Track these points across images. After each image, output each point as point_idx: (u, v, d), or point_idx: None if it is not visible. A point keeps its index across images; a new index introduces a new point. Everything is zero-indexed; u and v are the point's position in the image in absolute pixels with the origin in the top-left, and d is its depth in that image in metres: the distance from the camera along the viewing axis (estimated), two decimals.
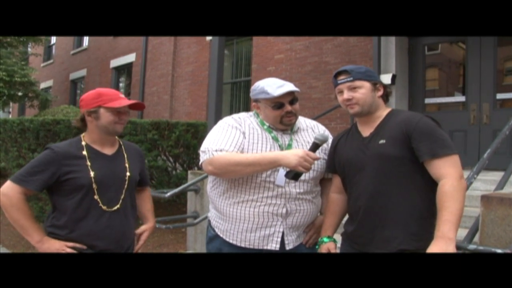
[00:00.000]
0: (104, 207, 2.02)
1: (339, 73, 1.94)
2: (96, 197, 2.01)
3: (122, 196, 2.09)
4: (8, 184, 1.95)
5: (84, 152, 2.05)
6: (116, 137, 2.20)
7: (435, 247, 1.61)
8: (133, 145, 2.35)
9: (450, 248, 1.60)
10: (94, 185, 2.00)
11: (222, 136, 1.97)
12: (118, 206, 2.07)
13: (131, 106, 2.12)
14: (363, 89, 1.89)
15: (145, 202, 2.35)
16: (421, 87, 6.28)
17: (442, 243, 1.60)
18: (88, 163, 2.02)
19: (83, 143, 2.08)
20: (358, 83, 1.88)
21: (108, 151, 2.13)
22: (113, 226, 2.05)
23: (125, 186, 2.10)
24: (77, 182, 1.98)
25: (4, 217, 2.21)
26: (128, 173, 2.12)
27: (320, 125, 2.22)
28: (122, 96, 2.09)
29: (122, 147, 2.21)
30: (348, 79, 1.90)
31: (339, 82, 1.93)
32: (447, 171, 1.70)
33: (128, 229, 2.15)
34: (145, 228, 2.29)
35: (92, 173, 2.00)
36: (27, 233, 1.95)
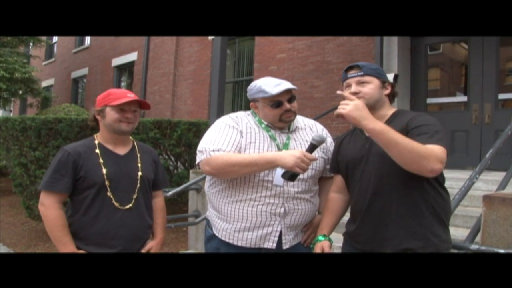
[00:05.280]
0: (116, 204, 2.04)
1: (350, 68, 1.94)
2: (109, 193, 2.03)
3: (135, 196, 2.10)
4: (42, 195, 2.00)
5: (97, 151, 2.08)
6: (130, 137, 2.23)
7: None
8: (148, 147, 2.36)
9: (363, 122, 1.67)
10: (106, 182, 2.02)
11: (219, 136, 1.96)
12: (130, 205, 2.08)
13: (140, 106, 2.14)
14: (372, 85, 1.88)
15: (157, 214, 2.26)
16: (423, 87, 6.27)
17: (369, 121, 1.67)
18: (101, 161, 2.05)
19: (96, 142, 2.12)
20: (367, 78, 1.88)
21: (121, 151, 2.15)
22: (126, 226, 2.05)
23: (138, 185, 2.11)
24: (90, 179, 2.01)
25: (4, 215, 2.22)
26: (140, 173, 2.13)
27: (318, 124, 2.21)
28: (130, 95, 2.09)
29: (136, 147, 2.23)
30: (359, 74, 1.90)
31: (349, 76, 1.92)
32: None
33: (142, 230, 2.14)
34: (151, 246, 2.18)
35: (104, 170, 2.03)
36: (58, 244, 1.97)
